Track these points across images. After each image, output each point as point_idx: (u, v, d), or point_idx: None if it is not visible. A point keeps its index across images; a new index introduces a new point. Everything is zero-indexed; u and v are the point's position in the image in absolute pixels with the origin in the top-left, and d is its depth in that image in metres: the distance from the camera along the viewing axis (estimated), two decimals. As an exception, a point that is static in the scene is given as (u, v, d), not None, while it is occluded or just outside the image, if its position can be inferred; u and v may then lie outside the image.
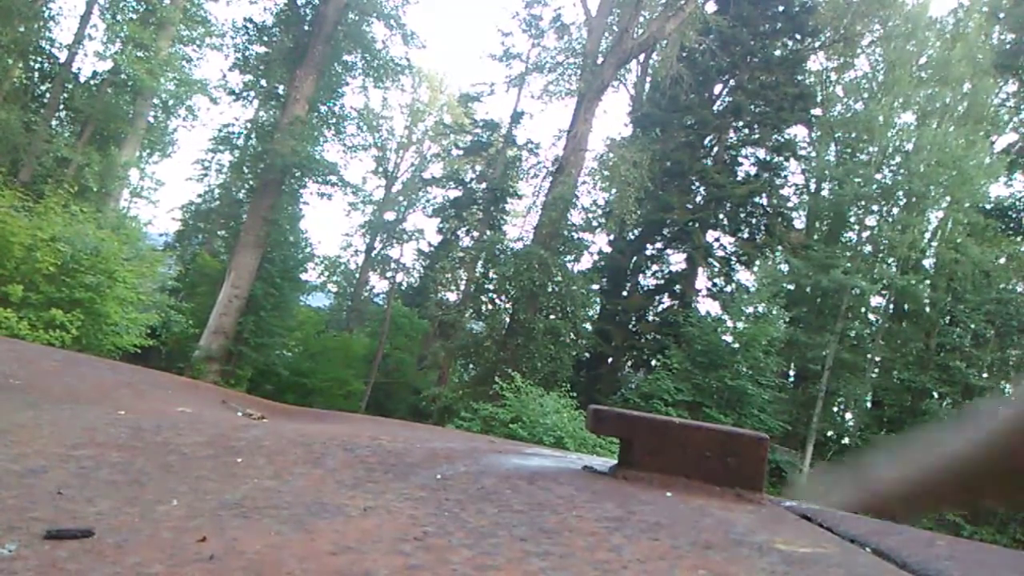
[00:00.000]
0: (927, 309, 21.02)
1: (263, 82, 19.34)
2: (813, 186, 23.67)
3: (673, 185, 20.85)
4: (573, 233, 20.66)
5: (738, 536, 0.38)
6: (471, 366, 21.23)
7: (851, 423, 21.87)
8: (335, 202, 47.86)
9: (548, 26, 23.86)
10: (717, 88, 22.39)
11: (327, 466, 0.45)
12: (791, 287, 20.09)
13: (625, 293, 21.94)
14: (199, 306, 17.97)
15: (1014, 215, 22.57)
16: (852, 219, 22.10)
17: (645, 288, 22.38)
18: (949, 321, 20.22)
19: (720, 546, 0.36)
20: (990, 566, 0.41)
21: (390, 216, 30.38)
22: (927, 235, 21.89)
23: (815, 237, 22.22)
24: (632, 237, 22.06)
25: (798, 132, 23.29)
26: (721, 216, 21.67)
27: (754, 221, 22.13)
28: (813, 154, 23.02)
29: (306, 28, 18.62)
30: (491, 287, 20.48)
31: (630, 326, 21.25)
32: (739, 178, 21.98)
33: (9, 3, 15.50)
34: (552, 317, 17.88)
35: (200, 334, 16.99)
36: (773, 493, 0.52)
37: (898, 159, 21.19)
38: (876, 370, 21.03)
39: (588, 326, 19.89)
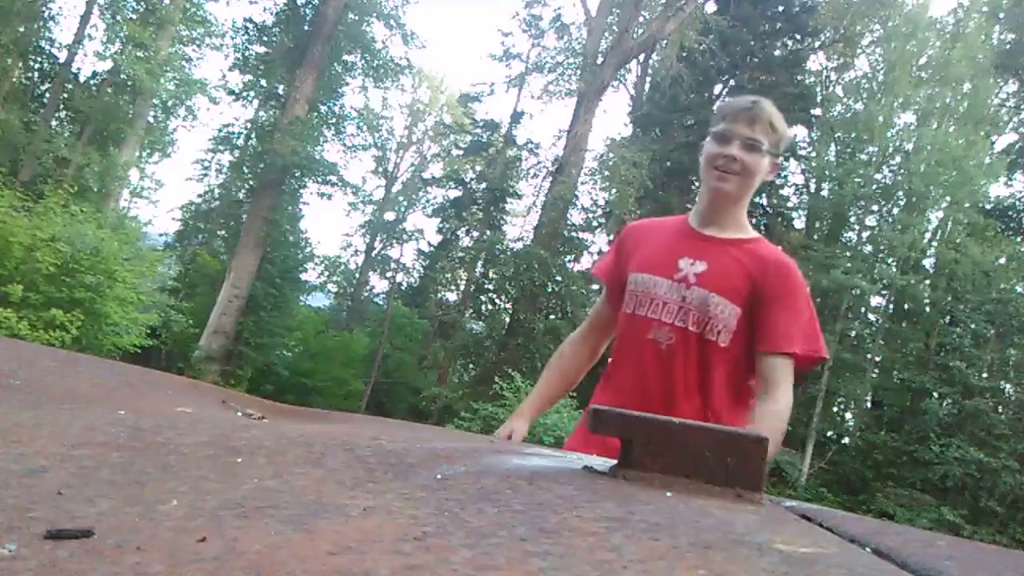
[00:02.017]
0: (927, 309, 21.03)
1: (263, 82, 19.34)
2: (813, 186, 23.67)
3: (673, 185, 20.86)
4: (573, 233, 20.68)
5: (738, 536, 0.38)
6: (471, 366, 21.23)
7: (851, 423, 21.88)
8: (335, 202, 47.90)
9: (548, 26, 23.87)
10: (717, 88, 22.40)
11: (327, 466, 0.45)
12: (791, 287, 20.02)
13: (625, 293, 21.90)
14: (199, 306, 17.97)
15: (1014, 215, 22.58)
16: (852, 219, 22.10)
17: (645, 288, 22.34)
18: (949, 321, 20.22)
19: (720, 546, 0.36)
20: (990, 566, 0.41)
21: (390, 216, 30.40)
22: (927, 235, 21.89)
23: (815, 237, 22.23)
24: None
25: (798, 132, 23.29)
26: (721, 216, 21.64)
27: (754, 221, 21.98)
28: (813, 154, 23.02)
29: (306, 28, 18.63)
30: (491, 287, 20.49)
31: (630, 326, 21.21)
32: (739, 178, 21.94)
33: (9, 3, 15.49)
34: (552, 317, 17.89)
35: (200, 334, 16.99)
36: (773, 493, 0.52)
37: (898, 159, 21.19)
38: (876, 370, 21.03)
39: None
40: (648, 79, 24.52)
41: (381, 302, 27.33)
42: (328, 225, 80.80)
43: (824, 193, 23.02)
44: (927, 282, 21.39)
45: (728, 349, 1.84)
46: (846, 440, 20.64)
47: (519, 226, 25.41)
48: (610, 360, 2.09)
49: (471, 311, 21.37)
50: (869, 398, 21.48)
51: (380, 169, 31.85)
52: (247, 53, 19.42)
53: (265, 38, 19.38)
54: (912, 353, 20.23)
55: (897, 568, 0.38)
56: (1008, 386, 19.62)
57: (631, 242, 2.07)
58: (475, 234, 23.33)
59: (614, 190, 19.79)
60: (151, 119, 19.87)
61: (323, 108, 19.62)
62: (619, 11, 21.30)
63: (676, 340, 1.84)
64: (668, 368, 1.84)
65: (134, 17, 16.96)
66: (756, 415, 1.85)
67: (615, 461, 0.51)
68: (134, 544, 0.30)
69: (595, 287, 21.75)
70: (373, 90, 22.08)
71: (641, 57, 23.12)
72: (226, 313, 17.02)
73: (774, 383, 1.85)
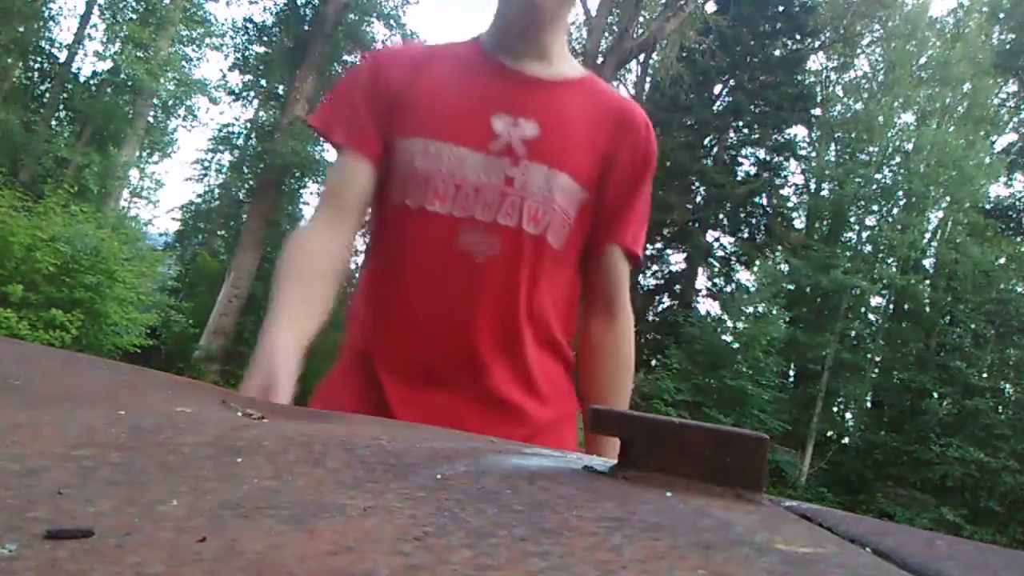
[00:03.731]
0: (927, 309, 21.04)
1: (263, 82, 19.35)
2: (813, 186, 23.69)
3: (673, 185, 20.86)
4: (573, 233, 20.65)
5: (738, 536, 0.38)
6: (471, 366, 21.20)
7: (851, 423, 21.88)
8: (335, 202, 47.82)
9: (548, 26, 23.86)
10: (717, 88, 22.41)
11: (327, 466, 0.45)
12: (791, 287, 20.12)
13: (625, 293, 21.93)
14: (199, 306, 17.97)
15: (1014, 215, 22.59)
16: (852, 219, 22.12)
17: (645, 288, 22.40)
18: (949, 321, 20.22)
19: (720, 546, 0.36)
20: (990, 566, 0.41)
21: (390, 216, 30.36)
22: (927, 235, 21.90)
23: (815, 237, 22.23)
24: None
25: (798, 132, 23.33)
26: (721, 216, 21.67)
27: (754, 221, 22.16)
28: (813, 154, 23.03)
29: (306, 28, 18.64)
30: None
31: (630, 326, 21.24)
32: (739, 178, 21.99)
33: (9, 3, 15.49)
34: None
35: (200, 334, 16.99)
36: (773, 493, 0.52)
37: (898, 159, 21.20)
38: (876, 370, 21.03)
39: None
40: (648, 79, 24.52)
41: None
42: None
43: (824, 193, 23.04)
44: (927, 282, 21.40)
45: (563, 253, 1.22)
46: (846, 440, 20.64)
47: (519, 226, 25.39)
48: (365, 275, 1.30)
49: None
50: (869, 398, 21.48)
51: (380, 169, 31.80)
52: (247, 53, 19.44)
53: (265, 38, 19.39)
54: (912, 353, 20.23)
55: (897, 568, 0.38)
56: (1008, 386, 19.62)
57: (396, 79, 1.21)
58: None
59: (614, 190, 19.78)
60: (151, 119, 19.87)
61: (323, 108, 19.61)
62: (619, 11, 21.30)
63: (501, 248, 1.16)
64: (489, 294, 1.17)
65: (134, 17, 16.96)
66: (614, 342, 1.29)
67: (615, 461, 0.51)
68: (134, 544, 0.30)
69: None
70: (373, 90, 22.04)
71: (641, 57, 23.11)
72: (226, 313, 17.02)
73: (622, 289, 1.30)
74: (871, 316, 22.22)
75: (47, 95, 17.52)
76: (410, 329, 1.21)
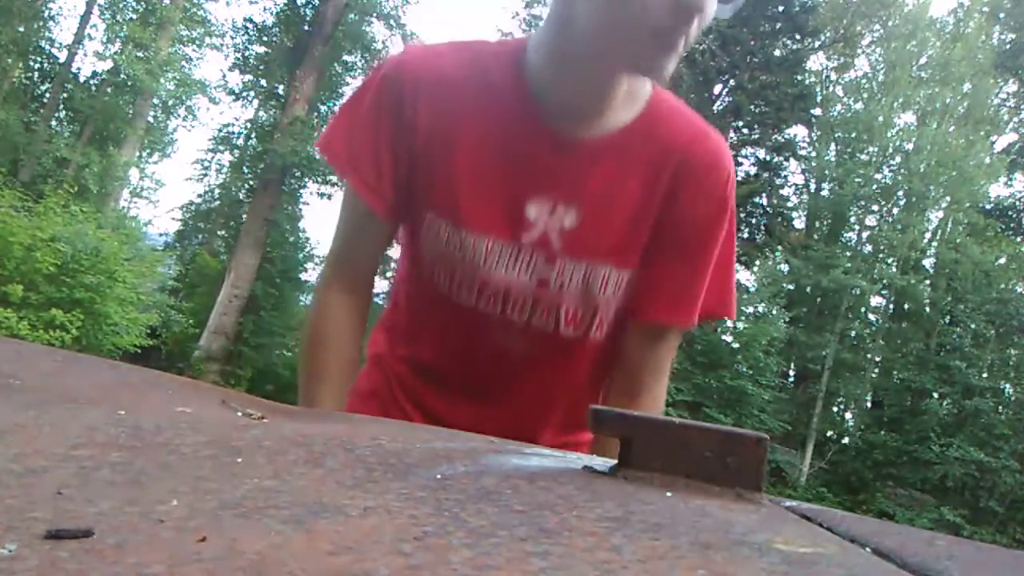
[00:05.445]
0: (927, 309, 21.04)
1: (263, 82, 19.37)
2: (813, 186, 23.70)
3: (673, 185, 20.85)
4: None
5: (738, 536, 0.38)
6: (471, 366, 21.20)
7: (851, 423, 21.89)
8: (335, 202, 47.92)
9: (548, 26, 23.86)
10: (717, 88, 22.41)
11: (327, 466, 0.45)
12: (791, 287, 20.13)
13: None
14: (199, 306, 17.98)
15: (1014, 215, 22.60)
16: (852, 219, 22.13)
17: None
18: (949, 321, 20.23)
19: (720, 546, 0.36)
20: (990, 566, 0.41)
21: (390, 216, 30.33)
22: (927, 235, 21.91)
23: (815, 237, 22.25)
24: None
25: (798, 132, 23.34)
26: (721, 216, 21.66)
27: (754, 221, 22.16)
28: (813, 154, 23.04)
29: (306, 28, 18.65)
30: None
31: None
32: (739, 178, 22.00)
33: (9, 3, 15.50)
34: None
35: (200, 334, 17.01)
36: (773, 493, 0.52)
37: (898, 159, 21.21)
38: (876, 370, 21.04)
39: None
40: (648, 79, 24.50)
41: (381, 302, 27.28)
42: (328, 225, 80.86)
43: (824, 193, 23.05)
44: (927, 282, 21.41)
45: (601, 338, 1.09)
46: (846, 440, 20.65)
47: (519, 226, 25.39)
48: (392, 308, 1.23)
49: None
50: (869, 398, 21.49)
51: (380, 169, 31.77)
52: (247, 53, 19.47)
53: (265, 38, 19.42)
54: (912, 353, 20.23)
55: (897, 568, 0.38)
56: (1008, 386, 19.63)
57: (425, 114, 1.00)
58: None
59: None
60: (151, 119, 19.89)
61: (323, 108, 19.63)
62: (619, 11, 21.32)
63: (539, 350, 1.06)
64: (522, 389, 1.10)
65: (134, 17, 16.98)
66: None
67: (615, 461, 0.51)
68: (134, 544, 0.30)
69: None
70: (373, 90, 22.05)
71: (641, 57, 23.11)
72: (226, 313, 17.03)
73: (648, 369, 1.10)
74: (871, 316, 22.24)
75: (47, 95, 17.53)
76: (432, 382, 1.14)
